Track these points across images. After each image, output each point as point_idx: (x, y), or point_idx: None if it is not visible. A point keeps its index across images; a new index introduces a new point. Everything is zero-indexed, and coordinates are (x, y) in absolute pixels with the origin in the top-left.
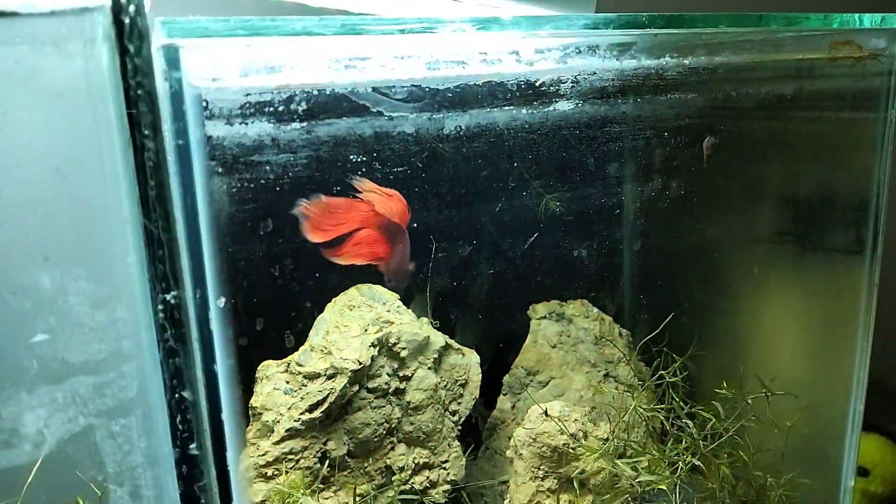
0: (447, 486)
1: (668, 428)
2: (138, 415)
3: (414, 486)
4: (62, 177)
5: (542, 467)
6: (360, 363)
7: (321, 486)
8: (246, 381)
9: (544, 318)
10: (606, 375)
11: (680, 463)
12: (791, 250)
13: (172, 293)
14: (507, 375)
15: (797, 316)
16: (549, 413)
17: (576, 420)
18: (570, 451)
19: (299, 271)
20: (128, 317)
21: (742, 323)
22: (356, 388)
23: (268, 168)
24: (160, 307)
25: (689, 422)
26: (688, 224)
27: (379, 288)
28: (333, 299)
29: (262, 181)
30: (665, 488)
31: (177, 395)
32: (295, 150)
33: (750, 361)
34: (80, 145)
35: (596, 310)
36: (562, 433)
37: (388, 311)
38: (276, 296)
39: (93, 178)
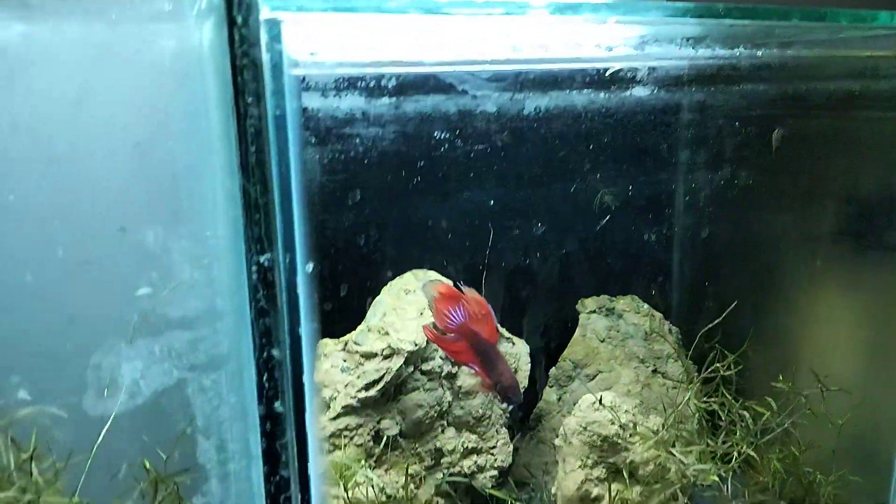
0: (494, 472)
1: (719, 421)
2: (228, 371)
3: (462, 469)
4: (165, 140)
5: (591, 456)
6: (416, 345)
7: (373, 464)
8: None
9: (593, 312)
10: (655, 371)
11: (734, 452)
12: (849, 248)
13: (266, 255)
14: (553, 368)
15: (853, 314)
16: (602, 401)
17: (626, 411)
18: (620, 441)
19: (383, 242)
20: (223, 277)
21: (797, 320)
22: (411, 369)
23: (357, 141)
24: (254, 268)
25: (745, 412)
26: (747, 217)
27: (434, 273)
28: (389, 283)
29: (352, 153)
30: (717, 478)
31: (265, 354)
32: (384, 124)
33: (804, 358)
34: (180, 112)
35: (646, 306)
36: (612, 423)
37: None
38: (361, 264)
39: (196, 144)
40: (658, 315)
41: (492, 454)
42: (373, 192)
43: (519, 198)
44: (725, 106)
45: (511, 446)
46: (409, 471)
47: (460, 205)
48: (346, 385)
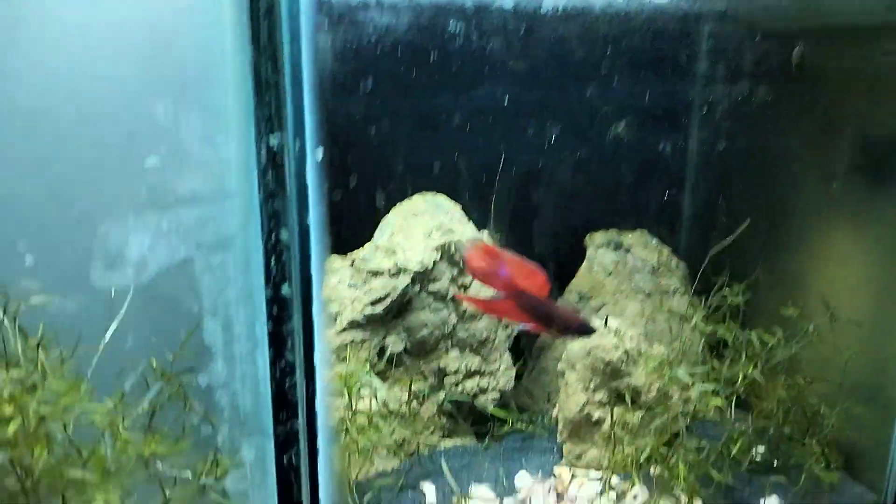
0: (496, 394)
1: (724, 350)
2: (236, 252)
3: (464, 390)
4: (176, 20)
5: (594, 380)
6: (423, 265)
7: (378, 378)
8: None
9: (602, 246)
10: (661, 305)
11: (740, 373)
12: (865, 179)
13: (276, 135)
14: (559, 299)
15: (866, 247)
16: (607, 324)
17: (631, 337)
18: (624, 366)
19: (395, 133)
20: (233, 156)
21: (807, 253)
22: (417, 288)
23: (371, 29)
24: (263, 150)
25: (752, 334)
26: (761, 143)
27: (442, 197)
28: (398, 204)
29: (366, 41)
30: (720, 406)
31: (273, 238)
32: (398, 13)
33: (814, 291)
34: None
35: (655, 240)
36: (617, 348)
37: (451, 220)
38: (372, 154)
39: (208, 23)
40: (666, 250)
41: (494, 377)
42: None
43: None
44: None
45: (514, 370)
46: (413, 388)
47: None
48: (353, 301)
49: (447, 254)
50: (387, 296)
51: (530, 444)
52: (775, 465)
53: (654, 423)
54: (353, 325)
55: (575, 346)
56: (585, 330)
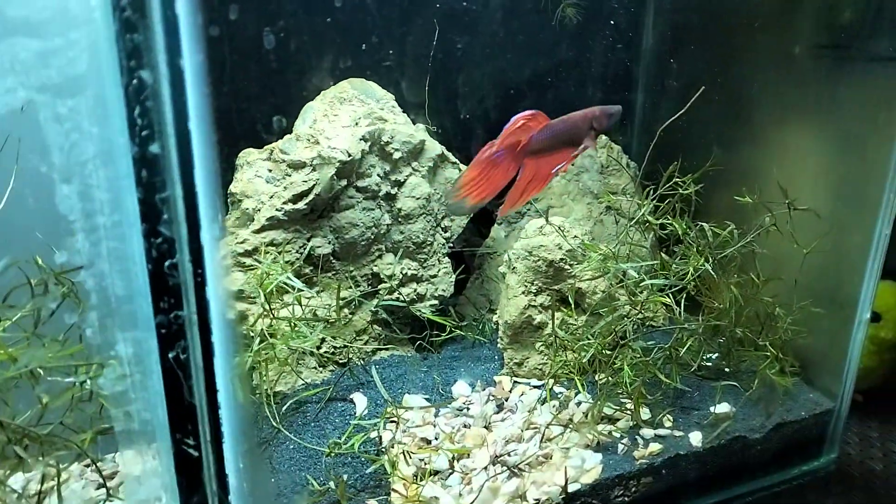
0: (435, 301)
1: (675, 247)
2: (89, 97)
3: (400, 297)
4: None
5: (535, 282)
6: (350, 155)
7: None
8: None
9: None
10: (608, 208)
11: (690, 268)
12: (828, 63)
13: None
14: (500, 203)
15: (827, 136)
16: (548, 220)
17: (575, 236)
18: (567, 266)
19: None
20: None
21: (766, 141)
22: (344, 183)
23: None
24: None
25: (705, 225)
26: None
27: (373, 84)
28: (323, 92)
29: None
30: (667, 303)
31: (134, 80)
32: None
33: (770, 183)
34: None
35: (605, 137)
36: (559, 248)
37: (382, 108)
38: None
39: None
40: (616, 147)
41: (433, 283)
42: None
43: None
44: None
45: (453, 276)
46: (343, 294)
47: None
48: (272, 196)
49: (377, 145)
50: (310, 190)
51: (470, 353)
52: (727, 369)
53: (599, 325)
54: (272, 222)
55: (516, 246)
56: (611, 111)
